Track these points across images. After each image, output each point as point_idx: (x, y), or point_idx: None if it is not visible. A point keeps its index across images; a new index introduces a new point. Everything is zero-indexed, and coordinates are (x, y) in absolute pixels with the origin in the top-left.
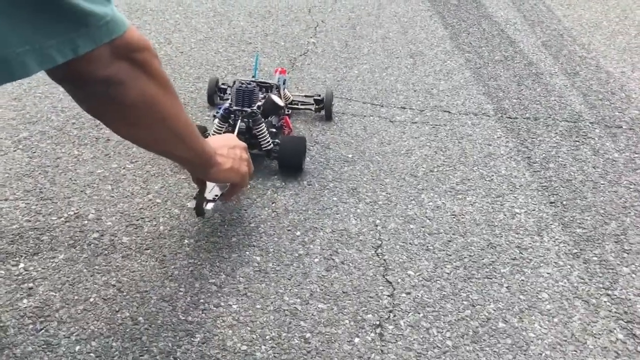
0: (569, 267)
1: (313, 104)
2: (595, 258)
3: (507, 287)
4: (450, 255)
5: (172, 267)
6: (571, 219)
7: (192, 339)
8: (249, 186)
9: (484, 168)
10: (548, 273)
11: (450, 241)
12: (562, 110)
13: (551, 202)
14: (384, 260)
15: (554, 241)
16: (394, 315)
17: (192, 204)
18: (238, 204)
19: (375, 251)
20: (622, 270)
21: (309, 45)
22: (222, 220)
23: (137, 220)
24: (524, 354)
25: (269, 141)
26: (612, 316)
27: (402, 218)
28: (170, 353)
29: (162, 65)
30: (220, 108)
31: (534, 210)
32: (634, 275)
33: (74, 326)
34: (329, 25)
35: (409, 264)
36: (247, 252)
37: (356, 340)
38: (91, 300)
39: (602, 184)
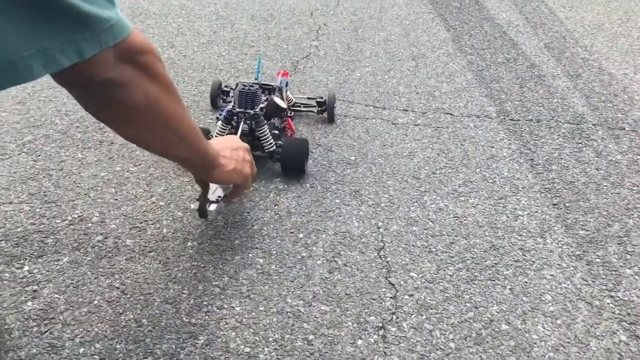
0: (572, 269)
1: (315, 107)
2: (598, 260)
3: (510, 289)
4: (452, 257)
5: (176, 269)
6: (574, 220)
7: (195, 341)
8: (252, 188)
9: (487, 170)
10: (551, 275)
11: (452, 243)
12: (564, 112)
13: (554, 204)
14: (387, 262)
15: (557, 243)
16: (397, 317)
17: (195, 205)
18: (241, 205)
19: (378, 253)
20: (625, 272)
21: (311, 48)
22: (225, 222)
23: (141, 222)
24: (527, 356)
25: (271, 143)
26: (616, 318)
27: (405, 220)
28: (174, 355)
29: (165, 69)
30: (223, 110)
31: (536, 212)
32: (637, 277)
33: (78, 328)
34: (331, 28)
35: (411, 266)
36: (250, 255)
37: (359, 342)
38: (95, 302)
39: (605, 185)
